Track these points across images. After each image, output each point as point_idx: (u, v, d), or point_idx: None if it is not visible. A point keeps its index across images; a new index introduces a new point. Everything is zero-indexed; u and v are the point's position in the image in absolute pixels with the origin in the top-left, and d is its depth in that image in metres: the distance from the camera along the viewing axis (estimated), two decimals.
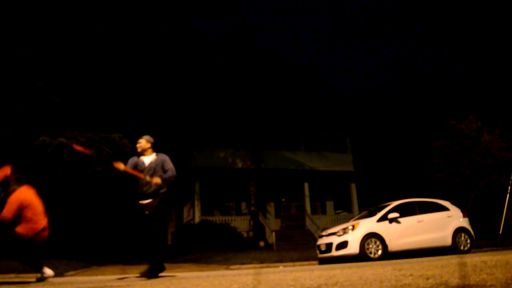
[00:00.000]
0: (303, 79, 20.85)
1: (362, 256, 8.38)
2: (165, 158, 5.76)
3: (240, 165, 20.57)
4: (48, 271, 5.43)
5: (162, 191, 5.49)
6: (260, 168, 20.07)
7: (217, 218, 18.40)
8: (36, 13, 13.30)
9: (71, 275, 7.50)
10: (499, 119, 16.47)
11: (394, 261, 7.31)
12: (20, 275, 6.80)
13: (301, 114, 23.67)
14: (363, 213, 10.76)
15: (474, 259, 4.96)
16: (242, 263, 9.32)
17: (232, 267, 8.91)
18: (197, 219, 17.98)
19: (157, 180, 5.39)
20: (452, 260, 5.30)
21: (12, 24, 13.01)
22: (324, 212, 21.82)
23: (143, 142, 5.75)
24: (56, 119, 12.62)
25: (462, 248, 9.22)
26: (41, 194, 5.65)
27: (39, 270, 5.43)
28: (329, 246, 8.91)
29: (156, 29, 15.21)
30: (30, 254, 5.39)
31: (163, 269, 5.29)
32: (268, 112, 20.82)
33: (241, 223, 18.73)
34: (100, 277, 6.61)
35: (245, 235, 18.15)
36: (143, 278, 4.91)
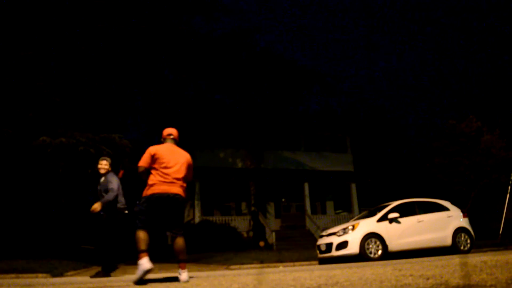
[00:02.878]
0: (302, 79, 20.85)
1: (362, 256, 8.38)
2: (111, 178, 5.72)
3: (240, 165, 20.58)
4: None
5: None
6: (260, 168, 20.07)
7: (217, 218, 18.39)
8: (37, 13, 13.29)
9: (71, 275, 7.48)
10: (499, 119, 16.53)
11: (394, 261, 7.31)
12: (20, 275, 6.79)
13: (301, 114, 23.67)
14: (363, 213, 10.75)
15: (474, 259, 4.97)
16: (242, 263, 9.31)
17: (232, 267, 8.90)
18: (197, 219, 17.98)
19: (94, 207, 5.59)
20: (452, 260, 5.30)
21: (13, 24, 13.01)
22: (324, 212, 21.82)
23: (105, 164, 5.74)
24: (56, 119, 12.61)
25: (462, 248, 9.22)
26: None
27: None
28: (329, 246, 8.91)
29: (156, 29, 15.20)
30: None
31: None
32: (268, 112, 20.82)
33: (241, 223, 18.72)
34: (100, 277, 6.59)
35: (245, 235, 18.14)
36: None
